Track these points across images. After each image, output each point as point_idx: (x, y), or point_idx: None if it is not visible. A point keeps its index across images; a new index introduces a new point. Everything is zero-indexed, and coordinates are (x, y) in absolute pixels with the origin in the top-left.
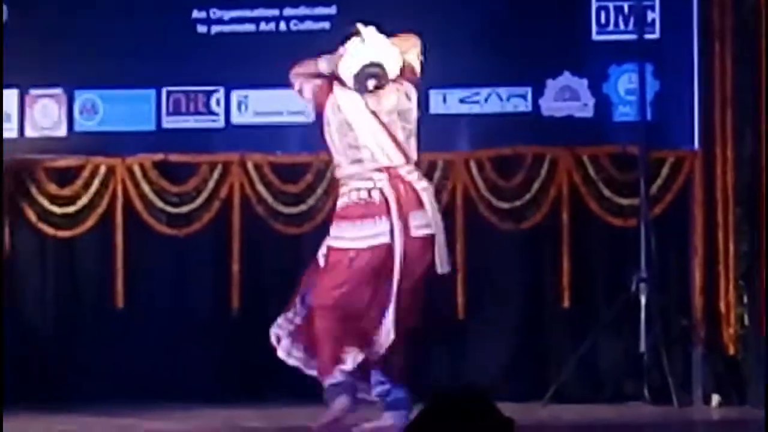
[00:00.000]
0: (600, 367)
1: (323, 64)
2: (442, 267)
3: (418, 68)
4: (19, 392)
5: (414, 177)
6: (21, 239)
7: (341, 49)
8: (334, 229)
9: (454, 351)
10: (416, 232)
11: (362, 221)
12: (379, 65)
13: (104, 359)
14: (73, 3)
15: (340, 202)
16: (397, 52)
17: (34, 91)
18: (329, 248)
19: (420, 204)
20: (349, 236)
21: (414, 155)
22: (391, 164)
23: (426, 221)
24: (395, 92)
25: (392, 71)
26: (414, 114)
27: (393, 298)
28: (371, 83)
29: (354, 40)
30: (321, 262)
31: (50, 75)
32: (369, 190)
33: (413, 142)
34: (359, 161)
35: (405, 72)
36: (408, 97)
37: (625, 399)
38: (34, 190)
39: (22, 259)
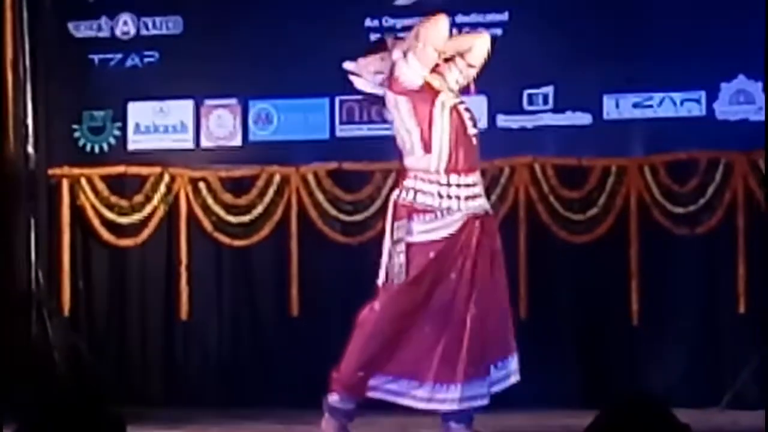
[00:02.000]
0: None
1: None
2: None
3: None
4: (197, 399)
5: None
6: (197, 249)
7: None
8: None
9: (629, 358)
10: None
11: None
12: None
13: (280, 366)
14: (247, 14)
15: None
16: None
17: (209, 102)
18: None
19: None
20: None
21: None
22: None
23: None
24: None
25: None
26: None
27: None
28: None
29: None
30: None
31: (225, 85)
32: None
33: None
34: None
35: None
36: None
37: None
38: (210, 201)
39: (198, 268)
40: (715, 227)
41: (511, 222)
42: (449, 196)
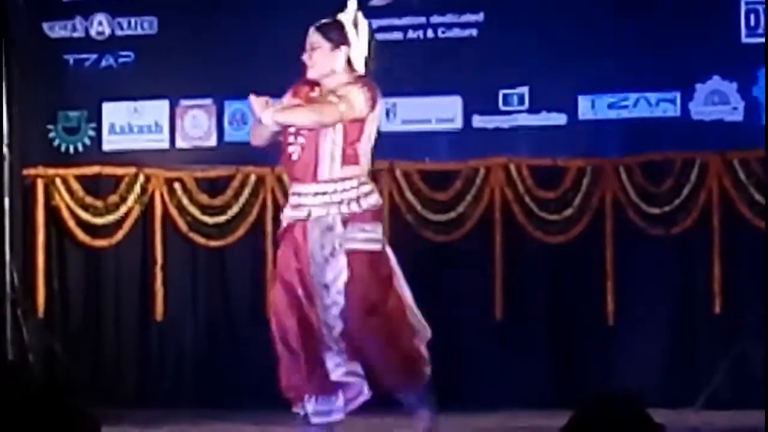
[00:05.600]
0: (751, 372)
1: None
2: None
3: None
4: (172, 399)
5: None
6: (173, 249)
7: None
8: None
9: (604, 358)
10: None
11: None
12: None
13: (255, 367)
14: (222, 14)
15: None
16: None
17: (184, 102)
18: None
19: None
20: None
21: None
22: None
23: None
24: None
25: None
26: None
27: None
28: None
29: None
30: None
31: (200, 86)
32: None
33: None
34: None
35: None
36: None
37: None
38: (185, 201)
39: (173, 269)
40: (690, 227)
41: (486, 223)
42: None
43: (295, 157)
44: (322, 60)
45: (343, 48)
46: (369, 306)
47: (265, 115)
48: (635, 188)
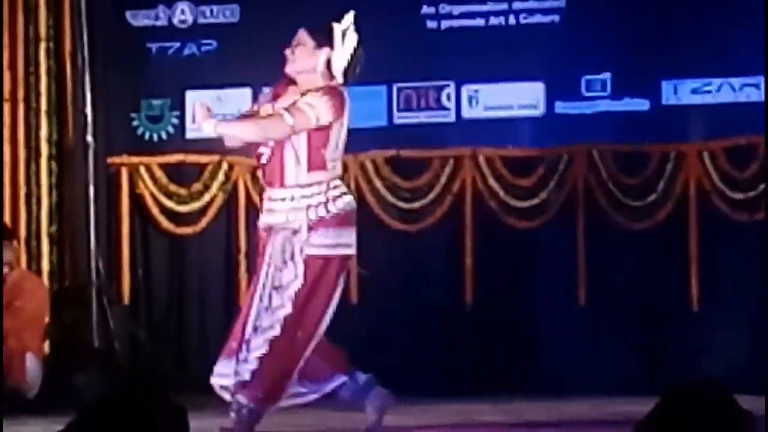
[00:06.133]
0: None
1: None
2: None
3: None
4: None
5: None
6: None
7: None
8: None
9: (689, 343)
10: None
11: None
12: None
13: None
14: (304, 1)
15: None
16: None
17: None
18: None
19: None
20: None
21: None
22: None
23: None
24: None
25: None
26: None
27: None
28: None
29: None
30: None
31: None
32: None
33: None
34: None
35: None
36: None
37: None
38: None
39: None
40: None
41: (569, 209)
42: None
43: (264, 160)
44: (302, 57)
45: (326, 49)
46: (320, 312)
47: (207, 125)
48: (719, 173)
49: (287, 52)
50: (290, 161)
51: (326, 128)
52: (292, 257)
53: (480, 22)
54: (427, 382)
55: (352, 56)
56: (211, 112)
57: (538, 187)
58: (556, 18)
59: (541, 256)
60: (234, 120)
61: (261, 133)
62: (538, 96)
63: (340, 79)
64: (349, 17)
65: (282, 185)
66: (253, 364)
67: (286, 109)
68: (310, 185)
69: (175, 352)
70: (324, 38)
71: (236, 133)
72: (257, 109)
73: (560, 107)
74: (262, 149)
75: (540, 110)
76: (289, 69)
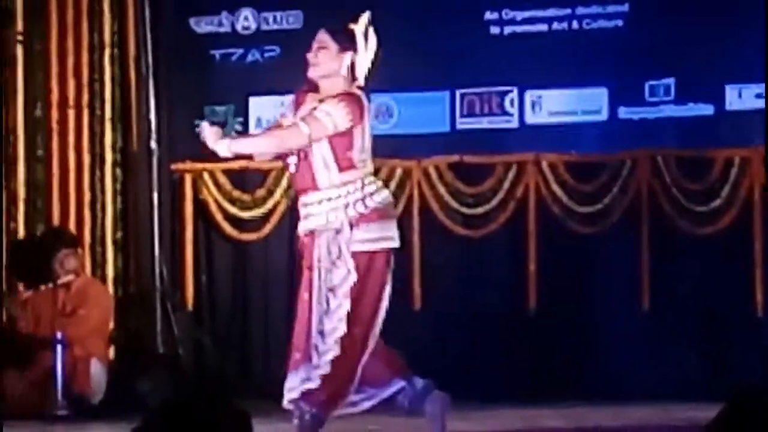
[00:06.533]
0: None
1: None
2: None
3: None
4: None
5: None
6: None
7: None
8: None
9: (754, 349)
10: None
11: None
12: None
13: None
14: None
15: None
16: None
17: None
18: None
19: None
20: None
21: None
22: None
23: None
24: None
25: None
26: None
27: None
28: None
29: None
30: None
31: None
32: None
33: None
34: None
35: None
36: None
37: None
38: None
39: None
40: None
41: (632, 214)
42: None
43: (293, 169)
44: (326, 60)
45: (349, 53)
46: (374, 307)
47: (220, 147)
48: None
49: (309, 55)
50: (319, 166)
51: (347, 133)
52: (340, 255)
53: (543, 27)
54: (489, 387)
55: (373, 59)
56: (220, 133)
57: (601, 193)
58: (619, 23)
59: (604, 261)
60: (248, 136)
61: (279, 145)
62: (602, 101)
63: (361, 81)
64: (365, 18)
65: (316, 189)
66: (325, 368)
67: (303, 119)
68: (344, 184)
69: (239, 357)
70: (347, 41)
71: (252, 150)
72: (281, 121)
73: (623, 112)
74: (289, 159)
75: (603, 115)
76: (312, 73)
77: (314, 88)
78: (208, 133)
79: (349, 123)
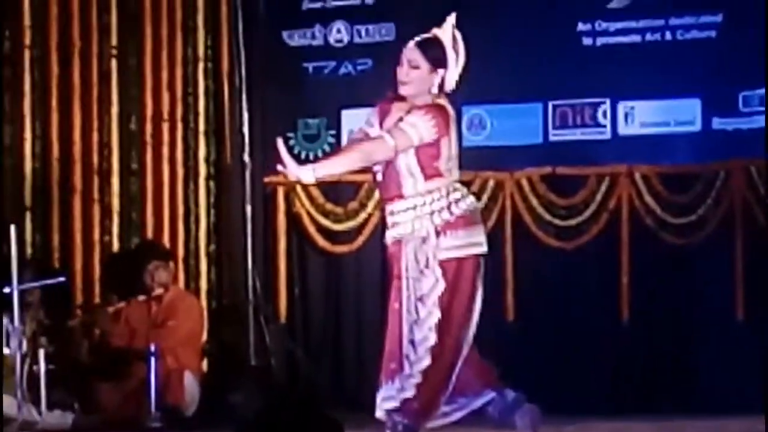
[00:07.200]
0: None
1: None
2: None
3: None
4: None
5: None
6: None
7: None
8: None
9: None
10: None
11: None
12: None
13: None
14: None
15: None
16: None
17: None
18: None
19: None
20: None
21: None
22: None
23: None
24: None
25: None
26: None
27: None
28: None
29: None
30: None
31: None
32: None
33: None
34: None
35: None
36: None
37: None
38: None
39: None
40: None
41: (727, 225)
42: None
43: (379, 177)
44: (419, 81)
45: (440, 71)
46: (465, 316)
47: (305, 174)
48: None
49: (401, 73)
50: (405, 174)
51: (434, 144)
52: (427, 264)
53: (636, 38)
54: (582, 399)
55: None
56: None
57: (695, 204)
58: (712, 33)
59: (698, 272)
60: (332, 157)
61: (366, 159)
62: (695, 112)
63: (449, 90)
64: (450, 22)
65: (401, 197)
66: (417, 378)
67: (389, 131)
68: (430, 192)
69: (331, 369)
70: (437, 58)
71: (339, 170)
72: (366, 130)
73: (717, 123)
74: (376, 167)
75: (696, 126)
76: (405, 91)
77: (400, 97)
78: (289, 165)
79: (435, 134)
